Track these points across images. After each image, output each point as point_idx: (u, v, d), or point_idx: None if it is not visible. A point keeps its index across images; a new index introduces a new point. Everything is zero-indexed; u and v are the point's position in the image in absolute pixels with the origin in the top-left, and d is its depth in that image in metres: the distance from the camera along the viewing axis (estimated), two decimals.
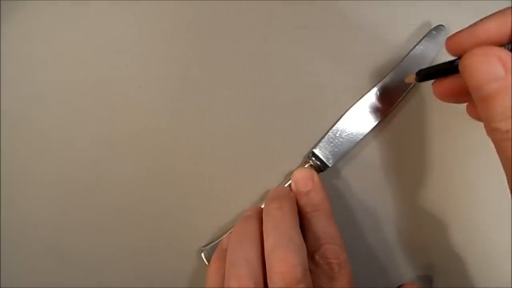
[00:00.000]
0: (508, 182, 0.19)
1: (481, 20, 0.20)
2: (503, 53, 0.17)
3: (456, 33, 0.21)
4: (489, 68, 0.18)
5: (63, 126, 0.28)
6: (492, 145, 0.29)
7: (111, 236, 0.28)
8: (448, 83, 0.22)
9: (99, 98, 0.29)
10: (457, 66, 0.20)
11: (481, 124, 0.20)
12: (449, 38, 0.21)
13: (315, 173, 0.26)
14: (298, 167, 0.28)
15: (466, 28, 0.20)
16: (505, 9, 0.20)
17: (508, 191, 0.26)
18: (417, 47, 0.29)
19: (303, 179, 0.26)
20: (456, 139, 0.29)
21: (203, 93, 0.29)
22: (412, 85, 0.27)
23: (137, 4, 0.29)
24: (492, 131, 0.18)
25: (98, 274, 0.28)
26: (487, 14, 0.31)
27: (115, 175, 0.29)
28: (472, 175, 0.29)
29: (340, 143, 0.28)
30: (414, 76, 0.24)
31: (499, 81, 0.17)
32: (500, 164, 0.28)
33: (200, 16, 0.29)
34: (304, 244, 0.22)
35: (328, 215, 0.25)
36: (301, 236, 0.23)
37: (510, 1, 0.30)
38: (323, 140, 0.28)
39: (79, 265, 0.28)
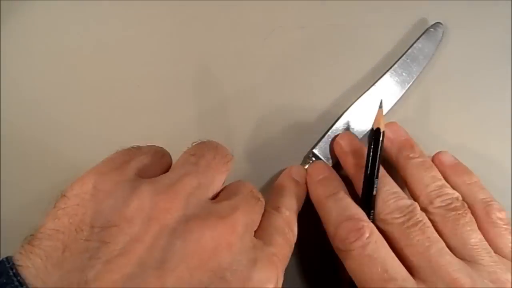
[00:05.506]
0: None
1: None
2: None
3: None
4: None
5: (63, 126, 0.28)
6: (491, 145, 0.29)
7: None
8: None
9: (99, 98, 0.29)
10: None
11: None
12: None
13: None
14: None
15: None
16: None
17: (509, 191, 0.26)
18: (415, 45, 0.29)
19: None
20: (455, 138, 0.29)
21: (203, 93, 0.29)
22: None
23: (137, 4, 0.29)
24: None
25: None
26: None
27: None
28: None
29: None
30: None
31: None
32: (499, 164, 0.29)
33: (200, 16, 0.30)
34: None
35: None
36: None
37: None
38: (323, 140, 0.28)
39: None
